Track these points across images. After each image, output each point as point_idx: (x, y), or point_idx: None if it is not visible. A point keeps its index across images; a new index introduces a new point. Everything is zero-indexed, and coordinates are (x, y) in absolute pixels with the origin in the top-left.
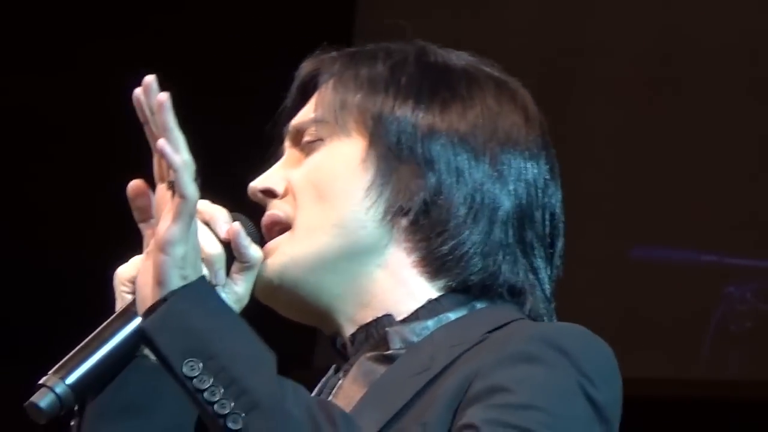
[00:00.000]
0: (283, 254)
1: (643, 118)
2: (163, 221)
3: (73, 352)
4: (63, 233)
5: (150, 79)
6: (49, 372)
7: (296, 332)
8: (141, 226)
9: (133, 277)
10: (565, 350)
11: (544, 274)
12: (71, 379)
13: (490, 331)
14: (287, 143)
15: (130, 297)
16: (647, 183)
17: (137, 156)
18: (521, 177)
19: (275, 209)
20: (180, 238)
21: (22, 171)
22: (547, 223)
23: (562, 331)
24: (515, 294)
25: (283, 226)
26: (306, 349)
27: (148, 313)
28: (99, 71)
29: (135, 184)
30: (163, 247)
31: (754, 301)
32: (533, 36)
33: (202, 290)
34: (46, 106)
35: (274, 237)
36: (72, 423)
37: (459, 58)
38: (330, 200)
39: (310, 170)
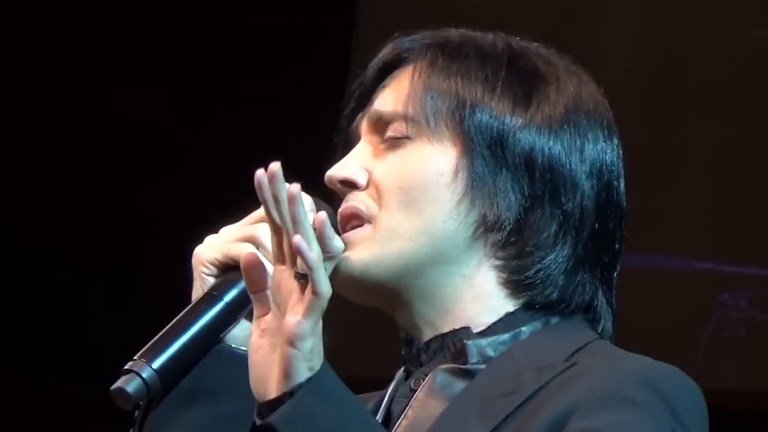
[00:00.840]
0: (366, 252)
1: (633, 124)
2: (291, 314)
3: (157, 336)
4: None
5: (276, 167)
6: (135, 357)
7: None
8: (252, 296)
9: (214, 259)
10: (662, 393)
11: (612, 286)
12: (157, 363)
13: (573, 353)
14: (365, 128)
15: (210, 279)
16: (640, 190)
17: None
18: (605, 177)
19: (356, 202)
20: (310, 333)
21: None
22: (617, 228)
23: (660, 372)
24: (588, 310)
25: (361, 221)
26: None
27: (273, 406)
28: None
29: (249, 258)
30: (293, 341)
31: (749, 308)
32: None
33: (328, 382)
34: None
35: (349, 230)
36: (137, 412)
37: (538, 51)
38: (419, 207)
39: (399, 172)
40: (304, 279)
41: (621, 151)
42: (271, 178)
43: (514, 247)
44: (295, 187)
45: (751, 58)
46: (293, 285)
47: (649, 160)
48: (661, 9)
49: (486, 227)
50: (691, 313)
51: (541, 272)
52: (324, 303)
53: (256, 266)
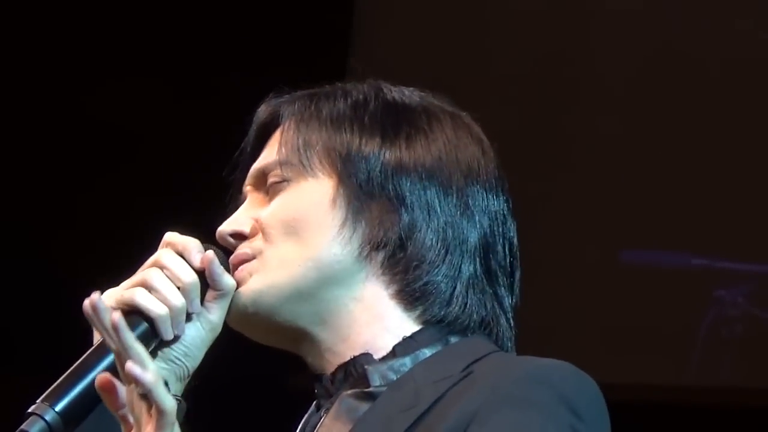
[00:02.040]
0: (256, 282)
1: (633, 123)
2: None
3: (59, 380)
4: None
5: (95, 297)
6: (38, 400)
7: (271, 354)
8: (115, 415)
9: (115, 305)
10: (556, 388)
11: (507, 303)
12: (60, 406)
13: (470, 364)
14: (249, 187)
15: None
16: (636, 186)
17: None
18: (485, 210)
19: (242, 248)
20: None
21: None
22: (508, 253)
23: (550, 368)
24: (484, 325)
25: (249, 260)
26: (281, 371)
27: None
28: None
29: (102, 380)
30: None
31: (746, 305)
32: (534, 35)
33: None
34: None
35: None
36: None
37: (412, 94)
38: (303, 236)
39: (279, 209)
40: (147, 399)
41: (504, 189)
42: (94, 310)
43: (400, 264)
44: (116, 315)
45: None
46: (142, 404)
47: (640, 156)
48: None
49: (371, 247)
50: (688, 310)
51: (429, 284)
52: (172, 417)
53: (108, 389)
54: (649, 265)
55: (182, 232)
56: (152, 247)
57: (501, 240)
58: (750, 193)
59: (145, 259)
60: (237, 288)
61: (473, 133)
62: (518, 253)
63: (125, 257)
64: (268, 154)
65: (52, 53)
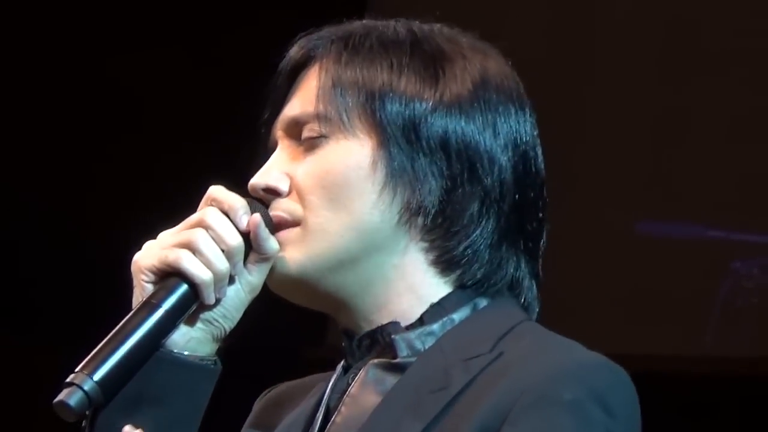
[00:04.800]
0: (299, 252)
1: (647, 94)
2: None
3: (98, 347)
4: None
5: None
6: (76, 369)
7: (308, 309)
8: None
9: (152, 266)
10: (593, 389)
11: (535, 262)
12: (98, 375)
13: (500, 338)
14: (281, 133)
15: (149, 286)
16: (652, 158)
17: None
18: (519, 149)
19: (280, 211)
20: None
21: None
22: (540, 206)
23: (584, 364)
24: (513, 287)
25: (289, 226)
26: (319, 327)
27: None
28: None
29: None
30: None
31: (761, 276)
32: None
33: None
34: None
35: (280, 232)
36: (86, 412)
37: (441, 32)
38: (343, 204)
39: (318, 172)
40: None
41: (534, 120)
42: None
43: (440, 229)
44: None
45: None
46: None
47: (656, 127)
48: None
49: (411, 213)
50: (704, 281)
51: (469, 249)
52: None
53: None
54: (665, 237)
55: (202, 192)
56: (174, 211)
57: (533, 187)
58: (767, 165)
59: (167, 223)
60: (280, 254)
61: (504, 69)
62: (547, 203)
63: (148, 222)
64: (302, 102)
65: (73, 23)
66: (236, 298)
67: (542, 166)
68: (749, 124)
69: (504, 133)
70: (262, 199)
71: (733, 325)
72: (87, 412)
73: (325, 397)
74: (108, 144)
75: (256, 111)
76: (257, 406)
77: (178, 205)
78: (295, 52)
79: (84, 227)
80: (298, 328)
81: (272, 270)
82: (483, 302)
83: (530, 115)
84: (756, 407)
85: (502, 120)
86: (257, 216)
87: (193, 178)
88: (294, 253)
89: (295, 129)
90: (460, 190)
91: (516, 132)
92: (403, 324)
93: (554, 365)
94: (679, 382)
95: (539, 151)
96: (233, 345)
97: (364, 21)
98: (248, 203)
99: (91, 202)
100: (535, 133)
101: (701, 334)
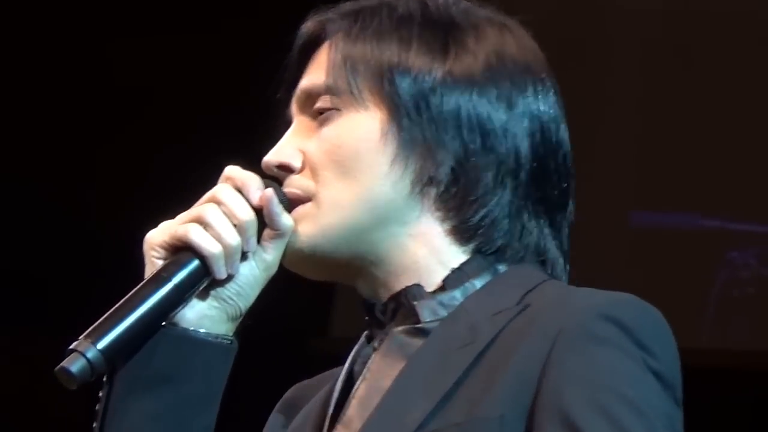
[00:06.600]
0: (311, 226)
1: (644, 84)
2: None
3: (103, 317)
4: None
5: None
6: (80, 337)
7: (313, 301)
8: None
9: (163, 242)
10: (624, 325)
11: (560, 228)
12: (102, 344)
13: (524, 295)
14: (295, 108)
15: (160, 262)
16: (648, 146)
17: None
18: (538, 118)
19: (293, 187)
20: None
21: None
22: (562, 172)
23: (613, 302)
24: (537, 254)
25: (302, 202)
26: (323, 318)
27: None
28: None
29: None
30: None
31: (758, 266)
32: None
33: None
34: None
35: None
36: (100, 393)
37: (457, 3)
38: (355, 176)
39: (329, 146)
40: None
41: (557, 94)
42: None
43: (455, 199)
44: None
45: None
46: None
47: (650, 117)
48: None
49: (423, 183)
50: (699, 272)
51: (486, 218)
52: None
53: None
54: (660, 227)
55: (208, 180)
56: (178, 199)
57: (553, 156)
58: (762, 154)
59: (173, 211)
60: (294, 231)
61: (523, 41)
62: (572, 169)
63: (153, 209)
64: (315, 75)
65: (73, 13)
66: (250, 276)
67: (565, 137)
68: (745, 112)
69: (519, 105)
70: (276, 177)
71: (729, 317)
72: (90, 379)
73: (346, 365)
74: (118, 129)
75: (270, 91)
76: (276, 409)
77: (194, 189)
78: (306, 28)
79: (90, 215)
80: (302, 319)
81: (286, 247)
82: (502, 267)
83: (551, 88)
84: (752, 399)
85: (517, 93)
86: (269, 191)
87: (208, 160)
88: (306, 227)
89: (307, 102)
90: (473, 160)
91: (533, 105)
92: (427, 288)
93: (584, 306)
94: None
95: (562, 124)
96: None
97: None
98: (262, 181)
99: (99, 189)
100: (557, 106)
101: (697, 325)
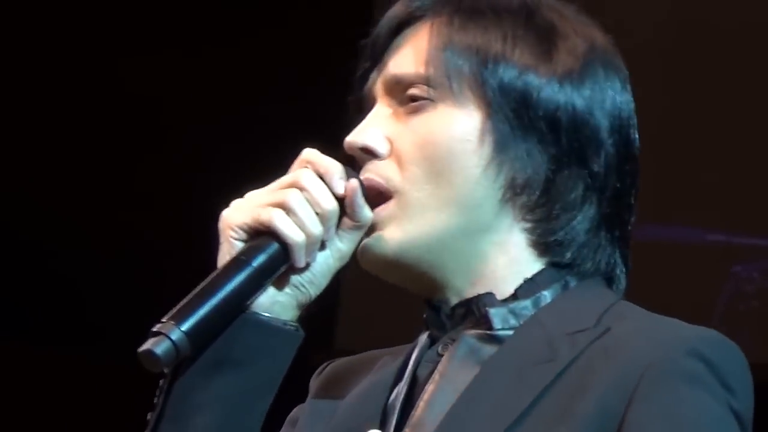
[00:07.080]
0: (398, 231)
1: (648, 93)
2: None
3: (186, 299)
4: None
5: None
6: (163, 319)
7: (316, 314)
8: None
9: (243, 224)
10: (712, 363)
11: (628, 246)
12: (187, 326)
13: (601, 315)
14: (381, 91)
15: (239, 243)
16: (652, 160)
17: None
18: (622, 130)
19: (374, 174)
20: None
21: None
22: (633, 187)
23: (705, 339)
24: (605, 274)
25: (382, 195)
26: (326, 330)
27: None
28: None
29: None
30: None
31: (762, 280)
32: None
33: None
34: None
35: (373, 203)
36: (161, 381)
37: (549, 4)
38: (447, 177)
39: (423, 141)
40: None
41: (632, 96)
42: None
43: (543, 210)
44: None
45: None
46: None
47: (654, 128)
48: None
49: (514, 191)
50: (704, 286)
51: (569, 234)
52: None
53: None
54: (664, 240)
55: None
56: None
57: (631, 174)
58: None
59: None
60: (375, 231)
61: (607, 43)
62: (639, 191)
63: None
64: (409, 62)
65: (87, 28)
66: (324, 265)
67: (637, 145)
68: (749, 124)
69: (610, 112)
70: (355, 158)
71: (734, 330)
72: (174, 363)
73: (409, 367)
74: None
75: (347, 70)
76: (316, 382)
77: (269, 168)
78: (400, 7)
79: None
80: (306, 332)
81: (366, 247)
82: (573, 282)
83: (630, 94)
84: (758, 412)
85: (609, 95)
86: (355, 181)
87: (282, 137)
88: (392, 231)
89: (396, 88)
90: (566, 171)
91: (620, 110)
92: (498, 297)
93: (671, 339)
94: None
95: (636, 132)
96: None
97: None
98: (344, 169)
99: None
100: (633, 108)
101: None
